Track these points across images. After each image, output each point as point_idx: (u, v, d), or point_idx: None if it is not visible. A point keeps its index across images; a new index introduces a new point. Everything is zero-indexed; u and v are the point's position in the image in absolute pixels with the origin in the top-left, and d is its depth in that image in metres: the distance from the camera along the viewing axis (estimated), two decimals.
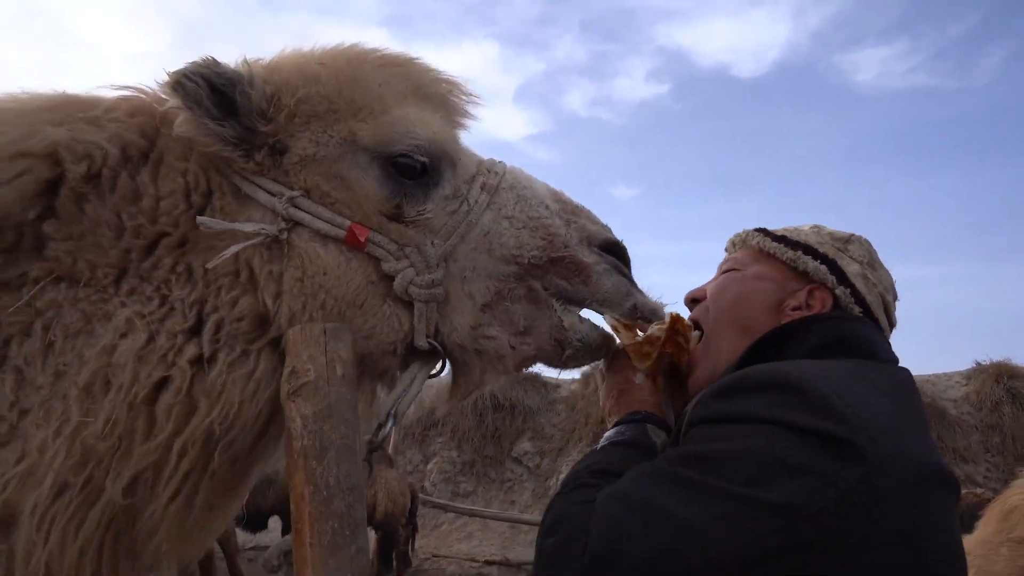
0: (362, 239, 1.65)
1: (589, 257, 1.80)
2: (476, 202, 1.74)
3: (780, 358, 1.38)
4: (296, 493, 1.74)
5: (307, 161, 1.67)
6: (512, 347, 1.71)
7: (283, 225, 1.65)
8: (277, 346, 1.69)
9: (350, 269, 1.66)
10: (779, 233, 1.62)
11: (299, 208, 1.65)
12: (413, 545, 11.09)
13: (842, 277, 1.51)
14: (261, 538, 11.89)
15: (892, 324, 1.53)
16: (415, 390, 1.84)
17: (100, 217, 1.59)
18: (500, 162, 1.88)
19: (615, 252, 1.85)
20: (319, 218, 1.65)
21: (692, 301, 1.69)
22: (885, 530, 1.02)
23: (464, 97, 1.87)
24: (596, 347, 1.77)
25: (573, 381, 16.22)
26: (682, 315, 1.66)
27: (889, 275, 1.57)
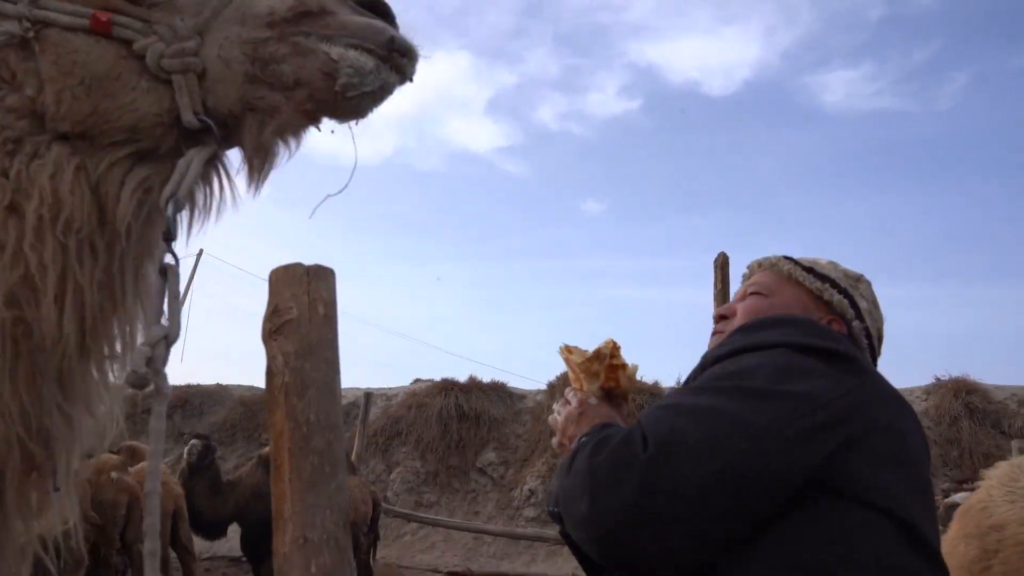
0: (104, 20, 1.63)
1: (340, 7, 1.74)
2: None
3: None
4: (276, 430, 1.73)
5: None
6: (286, 99, 1.65)
7: (27, 26, 1.64)
8: (68, 141, 1.65)
9: (101, 50, 1.64)
10: (807, 264, 1.75)
11: (43, 7, 1.64)
12: (374, 554, 10.93)
13: (858, 312, 1.67)
14: (219, 547, 11.63)
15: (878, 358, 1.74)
16: (193, 173, 1.69)
17: None
18: None
19: (377, 10, 1.79)
20: (63, 12, 1.65)
21: (721, 318, 1.75)
22: (879, 423, 1.26)
23: None
24: (370, 71, 1.67)
25: (539, 392, 16.22)
26: (614, 340, 1.73)
27: (882, 314, 1.74)
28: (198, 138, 1.69)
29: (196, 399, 19.05)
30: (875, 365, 1.65)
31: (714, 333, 1.72)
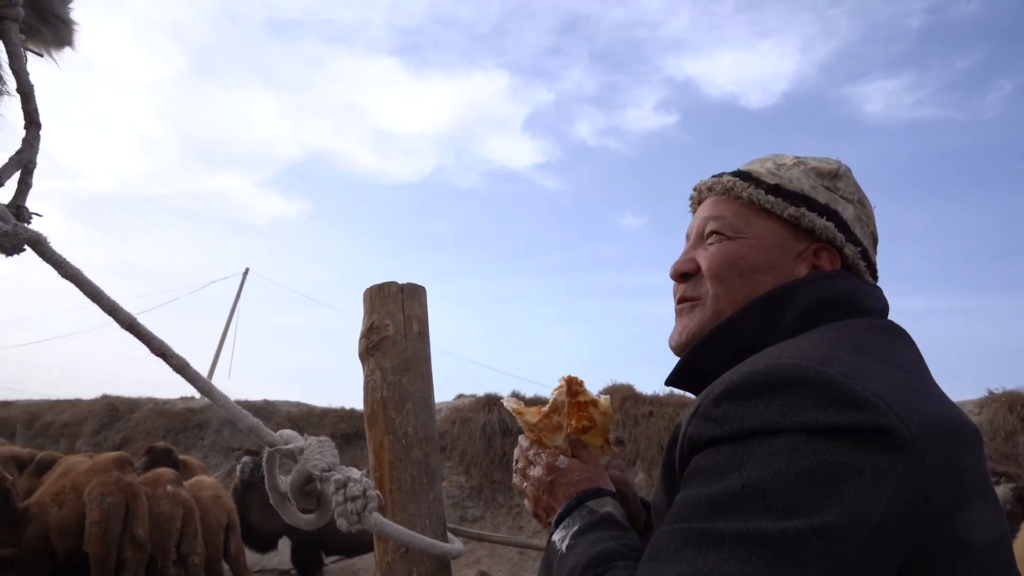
0: None
1: None
2: None
3: (771, 332, 1.23)
4: (376, 443, 1.79)
5: None
6: None
7: None
8: None
9: None
10: (771, 182, 1.34)
11: None
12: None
13: (847, 231, 1.31)
14: (269, 560, 11.78)
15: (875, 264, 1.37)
16: None
17: None
18: None
19: None
20: None
21: (682, 277, 1.38)
22: (942, 501, 0.94)
23: None
24: None
25: None
26: (572, 376, 1.48)
27: (871, 205, 1.38)
28: None
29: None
30: (876, 279, 1.35)
31: (681, 303, 1.37)
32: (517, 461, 1.44)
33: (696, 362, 1.29)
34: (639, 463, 13.77)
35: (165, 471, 9.29)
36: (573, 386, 1.44)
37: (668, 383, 1.34)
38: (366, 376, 1.83)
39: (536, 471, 1.38)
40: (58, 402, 19.06)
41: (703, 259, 1.35)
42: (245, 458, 11.59)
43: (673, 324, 1.38)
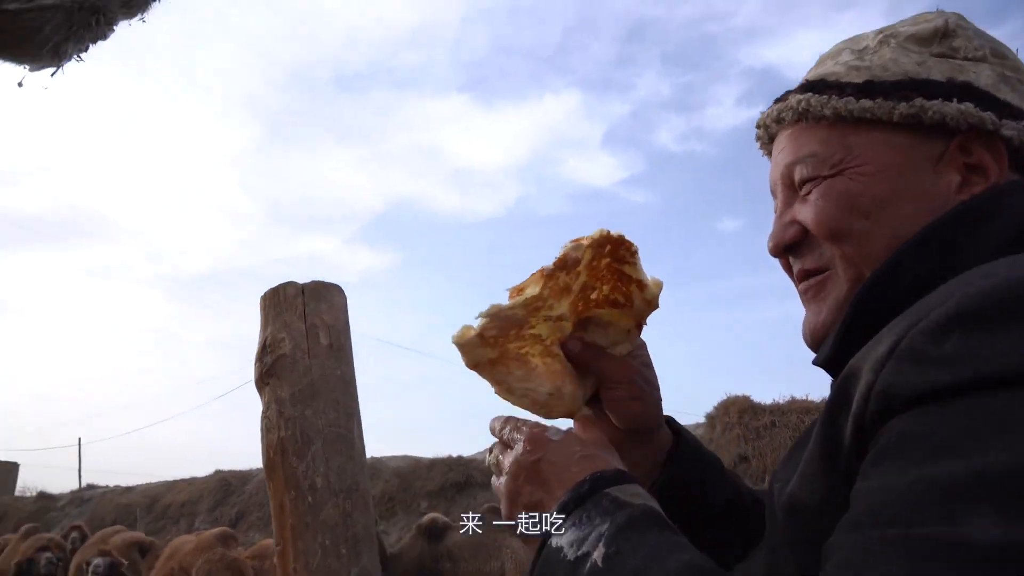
0: None
1: None
2: None
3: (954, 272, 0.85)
4: (276, 502, 1.30)
5: None
6: None
7: None
8: None
9: None
10: (858, 80, 1.02)
11: None
12: None
13: (998, 104, 0.96)
14: None
15: None
16: None
17: None
18: None
19: None
20: None
21: (787, 250, 1.07)
22: None
23: None
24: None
25: (698, 425, 15.28)
26: (620, 234, 1.08)
27: (1014, 51, 1.04)
28: None
29: None
30: None
31: (804, 283, 1.04)
32: (490, 452, 1.06)
33: (850, 348, 0.85)
34: (768, 479, 12.76)
35: (269, 542, 9.20)
36: (619, 248, 1.06)
37: (819, 363, 0.98)
38: (262, 412, 1.35)
39: (515, 452, 0.98)
40: (175, 482, 19.60)
41: (808, 217, 1.02)
42: None
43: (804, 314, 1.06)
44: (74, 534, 12.13)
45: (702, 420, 15.03)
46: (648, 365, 1.19)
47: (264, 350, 1.36)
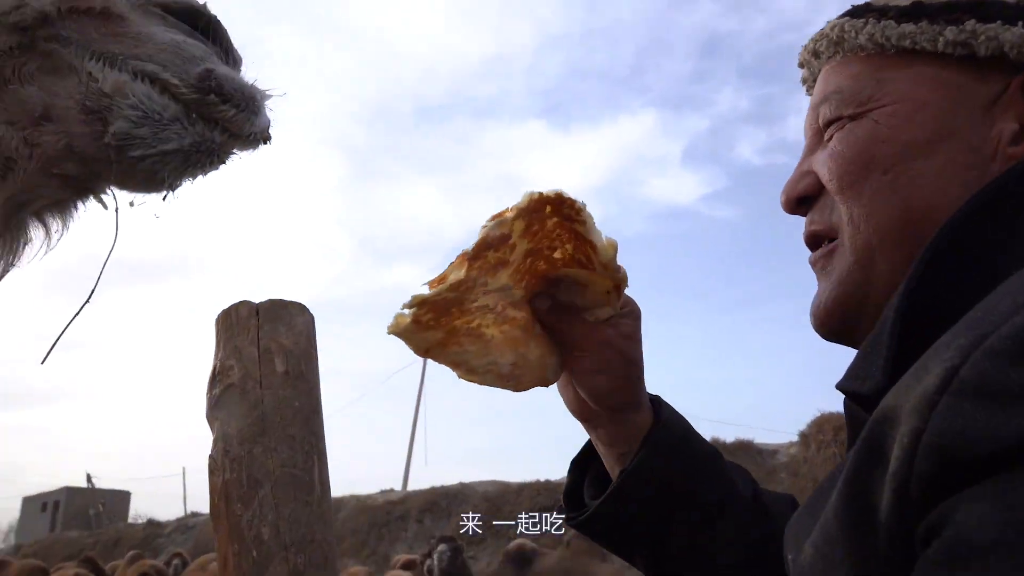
0: None
1: (138, 14, 1.19)
2: None
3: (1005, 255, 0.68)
4: (220, 556, 1.13)
5: None
6: (28, 143, 1.12)
7: None
8: None
9: None
10: (906, 3, 0.83)
11: None
12: None
13: None
14: None
15: None
16: None
17: None
18: None
19: (194, 21, 1.22)
20: None
21: (800, 204, 0.93)
22: None
23: None
24: (168, 120, 1.13)
25: (792, 444, 14.60)
26: (557, 192, 0.96)
27: None
28: None
29: (443, 501, 19.31)
30: None
31: (814, 252, 0.91)
32: None
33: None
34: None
35: (358, 570, 9.28)
36: (561, 207, 0.96)
37: (852, 392, 0.76)
38: (210, 451, 1.18)
39: None
40: None
41: (821, 166, 0.87)
42: (441, 547, 11.63)
43: None
44: (176, 561, 12.61)
45: (795, 439, 14.37)
46: (630, 337, 1.04)
47: (213, 380, 1.20)
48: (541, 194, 0.95)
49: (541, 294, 1.04)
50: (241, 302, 1.23)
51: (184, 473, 26.91)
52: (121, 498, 24.86)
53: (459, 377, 1.07)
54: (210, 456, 1.16)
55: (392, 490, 19.36)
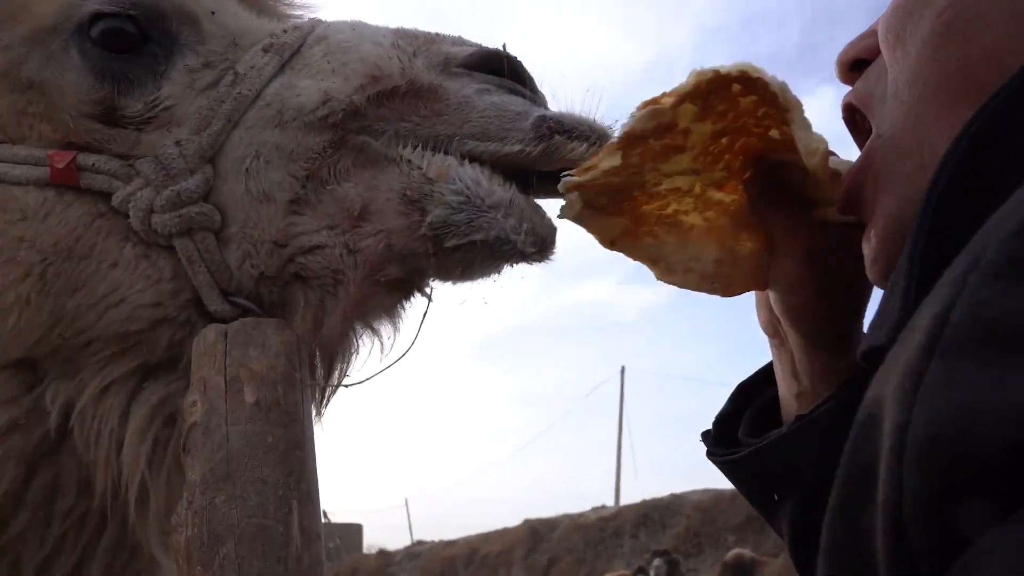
0: (61, 165, 1.09)
1: (444, 79, 1.14)
2: (253, 68, 1.14)
3: None
4: None
5: None
6: (350, 249, 1.06)
7: None
8: (22, 371, 1.11)
9: (62, 208, 1.11)
10: None
11: None
12: None
13: None
14: None
15: None
16: None
17: None
18: (316, 19, 1.26)
19: (496, 67, 1.15)
20: (15, 161, 1.12)
21: (852, 68, 0.78)
22: None
23: None
24: (493, 204, 1.04)
25: None
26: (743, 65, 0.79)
27: None
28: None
29: (655, 513, 18.81)
30: None
31: (851, 101, 0.75)
32: None
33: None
34: None
35: None
36: (752, 87, 0.79)
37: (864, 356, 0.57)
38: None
39: None
40: (489, 534, 20.55)
41: (881, 26, 0.69)
42: (656, 562, 11.53)
43: None
44: None
45: None
46: (857, 257, 0.78)
47: (184, 415, 1.04)
48: (716, 71, 0.78)
49: (756, 175, 0.87)
50: (209, 326, 1.07)
51: (407, 503, 28.38)
52: (354, 531, 26.62)
53: (657, 278, 0.94)
54: (176, 511, 1.00)
55: (604, 506, 19.20)
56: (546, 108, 1.15)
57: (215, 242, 1.09)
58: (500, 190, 1.06)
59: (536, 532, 19.13)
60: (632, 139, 0.83)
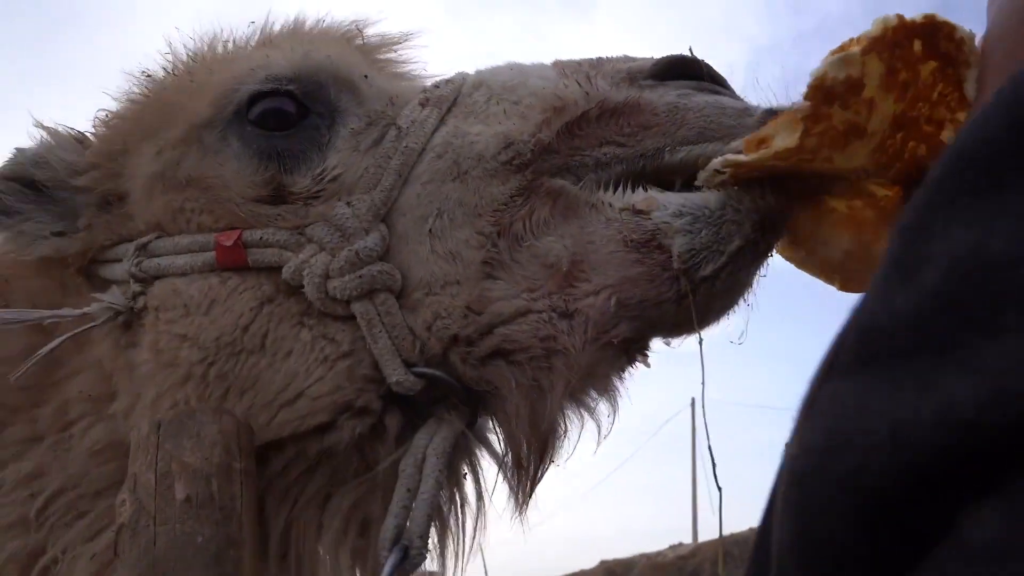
0: (228, 243, 1.05)
1: (639, 92, 1.04)
2: (414, 121, 1.09)
3: None
4: None
5: (153, 186, 1.15)
6: (563, 312, 0.95)
7: (136, 288, 1.09)
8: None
9: (227, 294, 1.05)
10: None
11: (154, 254, 1.10)
12: None
13: None
14: None
15: None
16: (429, 487, 0.96)
17: None
18: (462, 71, 1.19)
19: (686, 72, 1.06)
20: (178, 251, 1.09)
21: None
22: None
23: (369, 37, 1.30)
24: (718, 207, 0.93)
25: None
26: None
27: None
28: (423, 408, 1.05)
29: (734, 549, 18.13)
30: None
31: None
32: None
33: None
34: None
35: None
36: (937, 38, 0.72)
37: None
38: None
39: None
40: None
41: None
42: None
43: None
44: None
45: None
46: None
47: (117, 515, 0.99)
48: (901, 19, 0.72)
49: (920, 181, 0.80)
50: (144, 419, 1.02)
51: (482, 550, 28.19)
52: None
53: (775, 251, 0.93)
54: None
55: (681, 543, 18.61)
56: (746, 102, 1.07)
57: (396, 304, 1.01)
58: (710, 195, 0.95)
59: (613, 573, 18.68)
60: (822, 97, 0.75)
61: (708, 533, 21.04)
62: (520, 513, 1.10)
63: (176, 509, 0.94)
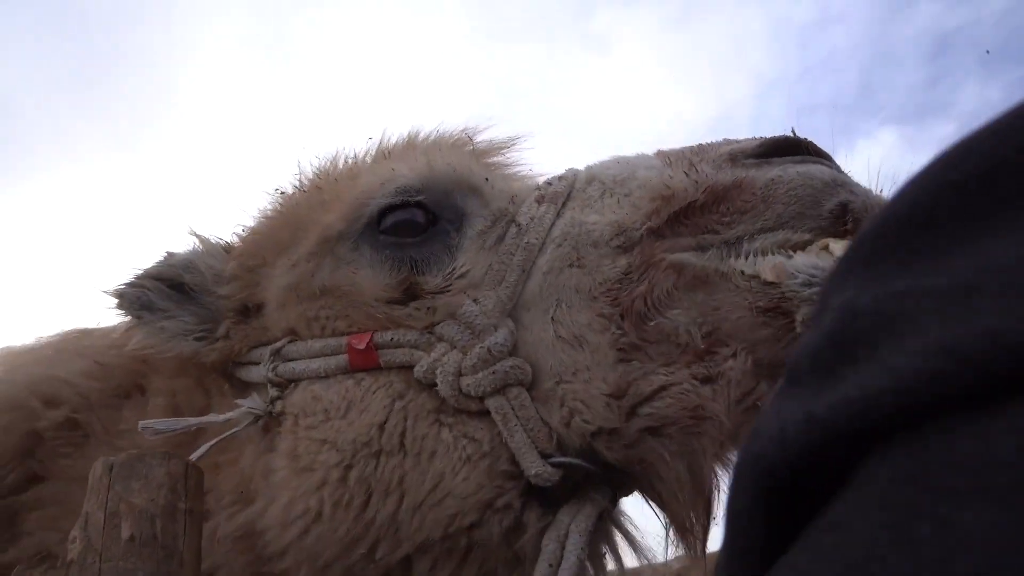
0: (361, 346, 1.09)
1: (743, 172, 1.11)
2: (533, 218, 1.16)
3: None
4: None
5: (287, 297, 1.22)
6: (704, 379, 0.98)
7: (274, 393, 1.16)
8: None
9: (362, 395, 1.09)
10: None
11: (288, 358, 1.17)
12: None
13: None
14: None
15: None
16: (572, 562, 1.00)
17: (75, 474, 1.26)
18: (572, 168, 1.31)
19: (789, 149, 1.14)
20: (311, 355, 1.15)
21: None
22: None
23: (478, 142, 1.38)
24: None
25: None
26: None
27: None
28: (560, 495, 1.08)
29: None
30: None
31: None
32: None
33: None
34: None
35: None
36: None
37: None
38: None
39: None
40: None
41: None
42: None
43: None
44: None
45: None
46: None
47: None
48: None
49: None
50: (99, 460, 1.10)
51: None
52: None
53: None
54: None
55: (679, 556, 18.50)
56: (849, 180, 1.11)
57: (528, 398, 1.06)
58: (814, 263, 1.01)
59: None
60: None
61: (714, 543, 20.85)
62: None
63: (120, 547, 1.01)
